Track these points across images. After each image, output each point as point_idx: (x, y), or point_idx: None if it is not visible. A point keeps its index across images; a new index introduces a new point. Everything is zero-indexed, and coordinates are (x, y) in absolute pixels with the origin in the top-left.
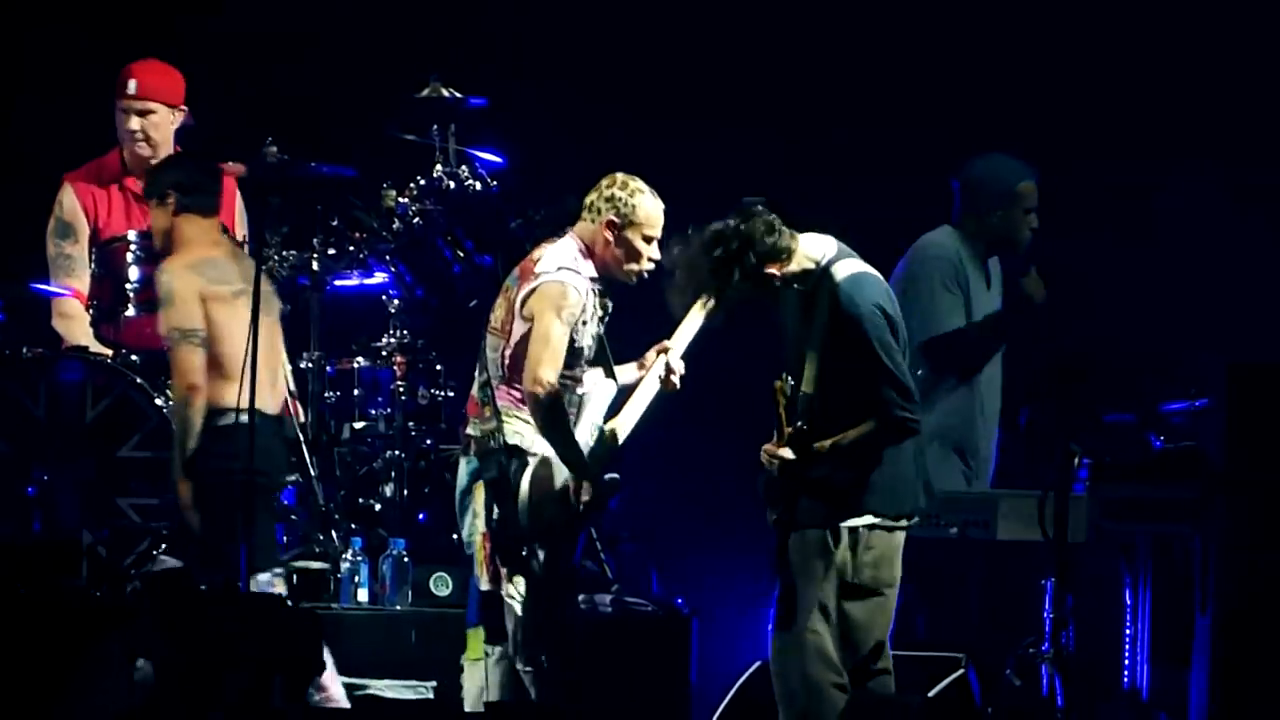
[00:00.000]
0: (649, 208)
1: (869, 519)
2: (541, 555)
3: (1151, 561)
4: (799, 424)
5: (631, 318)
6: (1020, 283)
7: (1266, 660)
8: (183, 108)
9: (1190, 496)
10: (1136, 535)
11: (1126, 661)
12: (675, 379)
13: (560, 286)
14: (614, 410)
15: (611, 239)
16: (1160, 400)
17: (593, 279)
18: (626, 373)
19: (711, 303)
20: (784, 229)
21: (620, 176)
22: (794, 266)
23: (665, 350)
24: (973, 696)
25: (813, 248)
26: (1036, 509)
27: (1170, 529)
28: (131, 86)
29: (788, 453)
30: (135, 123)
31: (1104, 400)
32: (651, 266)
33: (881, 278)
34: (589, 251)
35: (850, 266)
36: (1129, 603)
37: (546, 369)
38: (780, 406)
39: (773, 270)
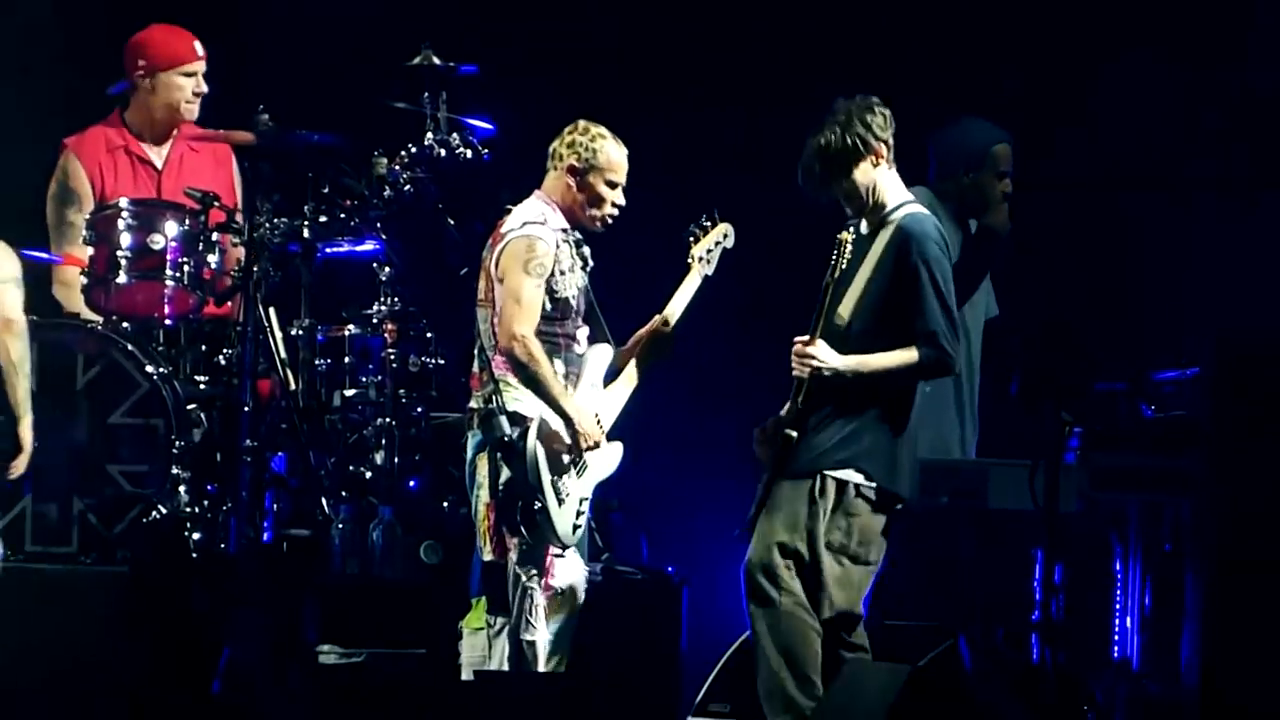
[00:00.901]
0: (610, 152)
1: (857, 478)
2: (549, 515)
3: (1142, 531)
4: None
5: (621, 279)
6: (984, 219)
7: (1256, 630)
8: None
9: (1181, 466)
10: (1127, 504)
11: (1116, 631)
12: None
13: (525, 240)
14: (611, 374)
15: (573, 184)
16: (1151, 369)
17: (564, 229)
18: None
19: (708, 270)
20: (889, 148)
21: (582, 123)
22: (873, 190)
23: (664, 323)
24: (963, 666)
25: (895, 187)
26: (1027, 478)
27: (1161, 498)
28: (198, 48)
29: (821, 350)
30: (198, 85)
31: (1095, 368)
32: (615, 212)
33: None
34: (558, 202)
35: (919, 209)
36: (1119, 572)
37: (520, 324)
38: (832, 280)
39: (862, 168)
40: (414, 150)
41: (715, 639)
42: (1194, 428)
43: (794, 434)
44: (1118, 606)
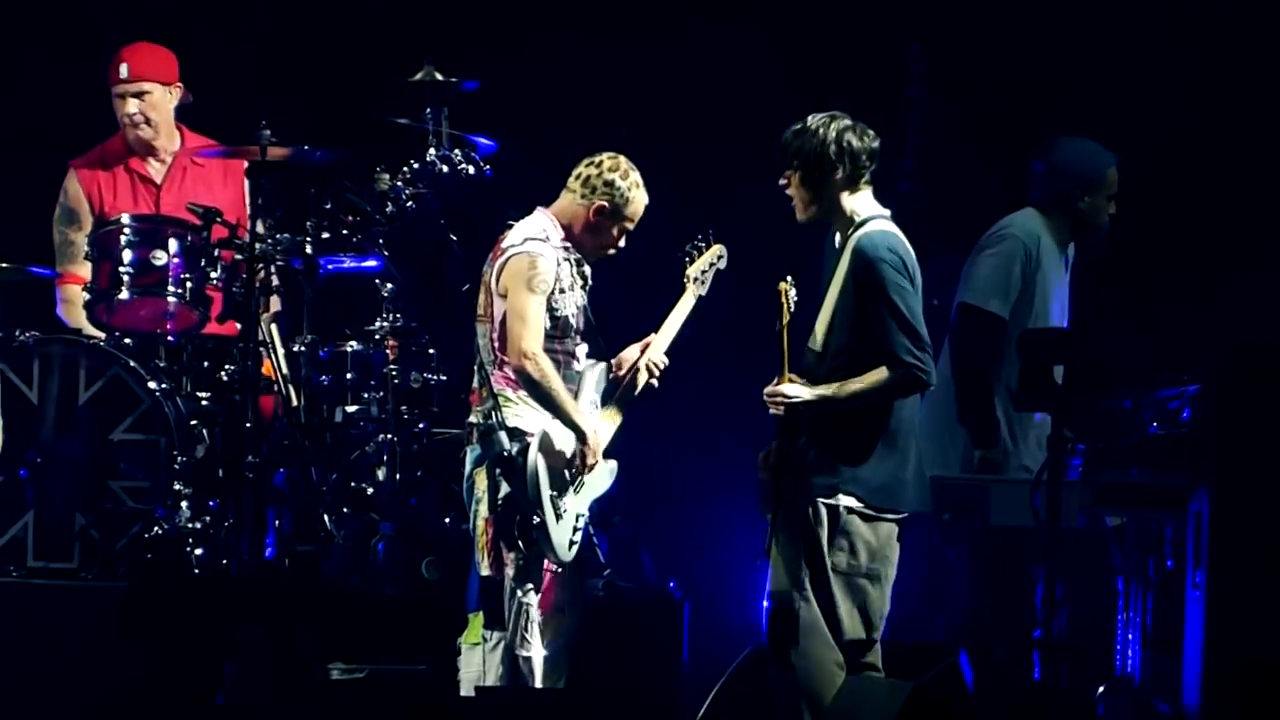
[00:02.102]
0: (640, 203)
1: (848, 501)
2: (546, 530)
3: (1144, 547)
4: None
5: (616, 298)
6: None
7: (1258, 646)
8: (178, 85)
9: (1183, 483)
10: (1129, 521)
11: (1119, 647)
12: (655, 380)
13: (527, 258)
14: (608, 391)
15: (594, 220)
16: (1154, 385)
17: (565, 247)
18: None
19: (702, 291)
20: (869, 168)
21: (622, 162)
22: (847, 205)
23: (648, 346)
24: (964, 683)
25: (865, 203)
26: (1029, 494)
27: (1163, 515)
28: (123, 70)
29: (790, 388)
30: (132, 105)
31: (1097, 385)
32: (614, 253)
33: (907, 243)
34: (566, 225)
35: (882, 224)
36: (1121, 589)
37: (528, 342)
38: (784, 321)
39: (836, 182)
40: (416, 166)
41: (717, 655)
42: (1196, 444)
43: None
44: (1120, 622)
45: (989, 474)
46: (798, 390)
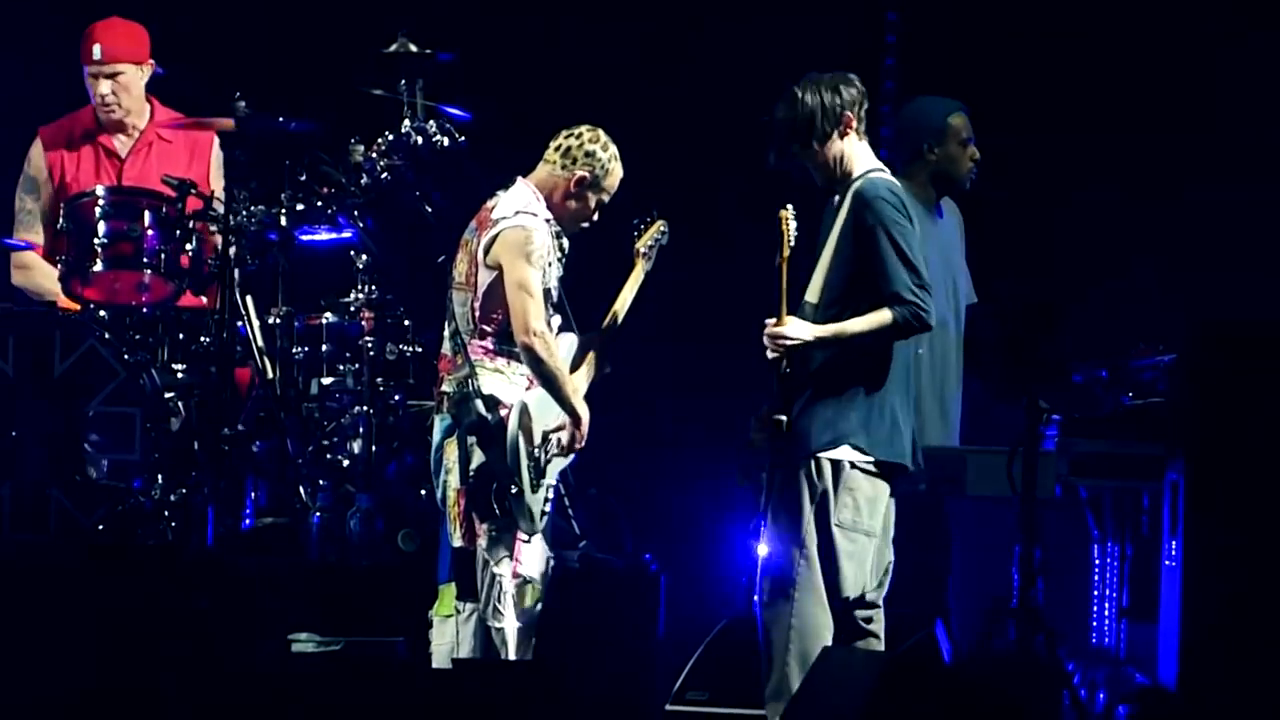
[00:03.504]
0: (617, 175)
1: (852, 455)
2: (523, 500)
3: (1120, 517)
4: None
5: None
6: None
7: (1233, 615)
8: (149, 62)
9: (1158, 453)
10: (1104, 491)
11: (1095, 617)
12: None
13: (524, 231)
14: (574, 364)
15: (574, 192)
16: (1129, 356)
17: (549, 220)
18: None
19: (649, 265)
20: (863, 119)
21: (602, 135)
22: (841, 161)
23: (604, 333)
24: (940, 654)
25: (863, 156)
26: (1005, 465)
27: (1138, 485)
28: (96, 51)
29: (790, 328)
30: (105, 86)
31: (1072, 355)
32: (588, 226)
33: (903, 190)
34: (546, 196)
35: (879, 174)
36: (1097, 559)
37: (534, 318)
38: (784, 255)
39: (830, 140)
40: (391, 138)
41: (693, 627)
42: (1171, 414)
43: (783, 419)
44: (1095, 593)
45: None
46: (798, 330)
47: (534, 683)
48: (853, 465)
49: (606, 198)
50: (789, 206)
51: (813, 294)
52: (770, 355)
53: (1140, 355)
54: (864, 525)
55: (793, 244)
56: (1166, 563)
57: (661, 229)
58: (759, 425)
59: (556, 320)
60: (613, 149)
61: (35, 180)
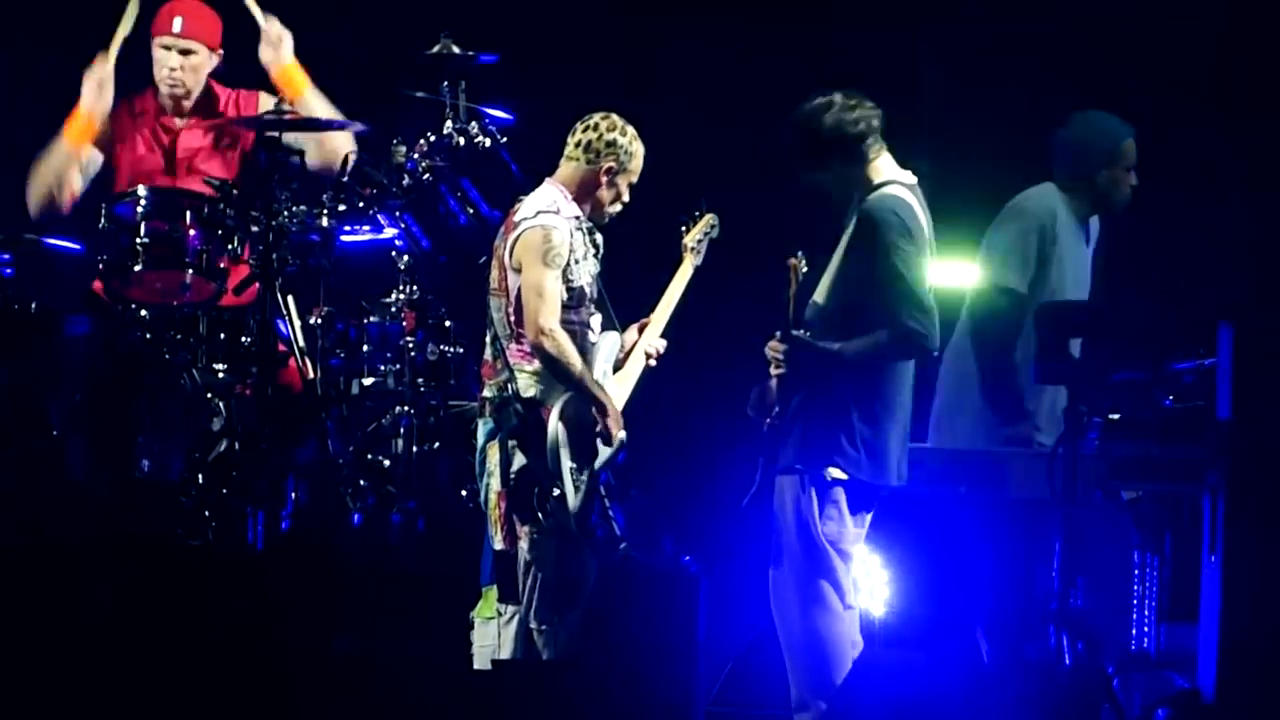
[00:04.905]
0: (640, 156)
1: (838, 474)
2: (566, 501)
3: (1160, 521)
4: (804, 331)
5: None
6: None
7: (1272, 619)
8: (220, 51)
9: (1199, 456)
10: (1145, 494)
11: (1135, 621)
12: (653, 360)
13: (540, 231)
14: (617, 364)
15: (604, 182)
16: (1170, 359)
17: (577, 216)
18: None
19: (698, 260)
20: (879, 135)
21: (616, 120)
22: (854, 182)
23: (645, 327)
24: (980, 656)
25: (886, 167)
26: (1046, 467)
27: (1179, 488)
28: (177, 24)
29: (792, 349)
30: (176, 61)
31: (1113, 358)
32: (621, 209)
33: (923, 220)
34: (576, 192)
35: (899, 191)
36: (1137, 562)
37: (546, 318)
38: (791, 291)
39: (842, 161)
40: (433, 139)
41: (733, 630)
42: (1211, 418)
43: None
44: (1136, 596)
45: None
46: (800, 351)
47: (575, 684)
48: (836, 480)
49: (634, 180)
50: (800, 254)
51: (820, 295)
52: (774, 372)
53: (1181, 358)
54: (850, 538)
55: (800, 283)
56: (1207, 567)
57: (711, 223)
58: (758, 402)
59: (598, 319)
60: (631, 130)
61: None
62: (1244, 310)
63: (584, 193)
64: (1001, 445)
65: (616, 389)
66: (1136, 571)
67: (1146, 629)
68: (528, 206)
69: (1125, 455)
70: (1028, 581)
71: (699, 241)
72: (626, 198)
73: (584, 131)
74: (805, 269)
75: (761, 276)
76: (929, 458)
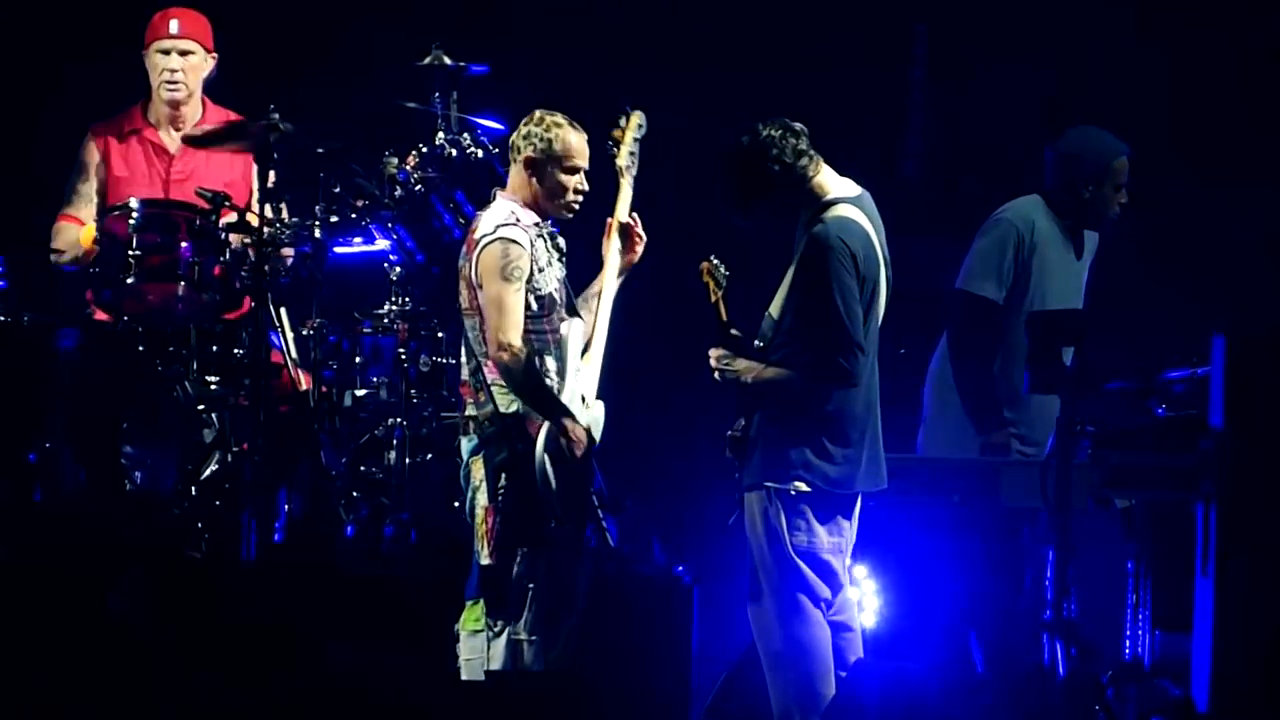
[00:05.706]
0: (568, 139)
1: (802, 486)
2: (555, 522)
3: (1153, 530)
4: (758, 342)
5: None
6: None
7: (1268, 627)
8: (214, 55)
9: (1192, 464)
10: (1138, 503)
11: (1128, 630)
12: (638, 249)
13: (497, 246)
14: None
15: (532, 176)
16: (1162, 368)
17: (536, 224)
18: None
19: (634, 172)
20: (811, 153)
21: (537, 113)
22: (809, 192)
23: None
24: (974, 664)
25: (831, 183)
26: (1039, 476)
27: (1172, 497)
28: (173, 26)
29: (733, 363)
30: (175, 62)
31: (1106, 367)
32: (579, 198)
33: (871, 234)
34: (524, 197)
35: (847, 210)
36: (1131, 571)
37: (507, 333)
38: (716, 298)
39: (789, 188)
40: (425, 150)
41: (727, 641)
42: (1204, 427)
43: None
44: (1129, 605)
45: (994, 458)
46: (730, 362)
47: (569, 695)
48: (801, 493)
49: (573, 164)
50: (712, 259)
51: (775, 308)
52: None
53: (1174, 367)
54: (824, 547)
55: (723, 286)
56: (1200, 577)
57: (639, 124)
58: (733, 441)
59: (573, 325)
60: (550, 119)
61: (87, 165)
62: (1237, 319)
63: (529, 194)
64: (979, 454)
65: (586, 371)
66: (1130, 580)
67: (1140, 638)
68: (486, 222)
69: (1118, 464)
70: (1018, 590)
71: (631, 155)
72: (578, 184)
73: (513, 135)
74: (725, 271)
75: (758, 283)
76: (917, 467)
